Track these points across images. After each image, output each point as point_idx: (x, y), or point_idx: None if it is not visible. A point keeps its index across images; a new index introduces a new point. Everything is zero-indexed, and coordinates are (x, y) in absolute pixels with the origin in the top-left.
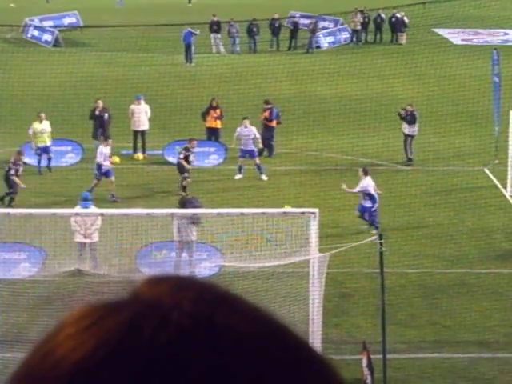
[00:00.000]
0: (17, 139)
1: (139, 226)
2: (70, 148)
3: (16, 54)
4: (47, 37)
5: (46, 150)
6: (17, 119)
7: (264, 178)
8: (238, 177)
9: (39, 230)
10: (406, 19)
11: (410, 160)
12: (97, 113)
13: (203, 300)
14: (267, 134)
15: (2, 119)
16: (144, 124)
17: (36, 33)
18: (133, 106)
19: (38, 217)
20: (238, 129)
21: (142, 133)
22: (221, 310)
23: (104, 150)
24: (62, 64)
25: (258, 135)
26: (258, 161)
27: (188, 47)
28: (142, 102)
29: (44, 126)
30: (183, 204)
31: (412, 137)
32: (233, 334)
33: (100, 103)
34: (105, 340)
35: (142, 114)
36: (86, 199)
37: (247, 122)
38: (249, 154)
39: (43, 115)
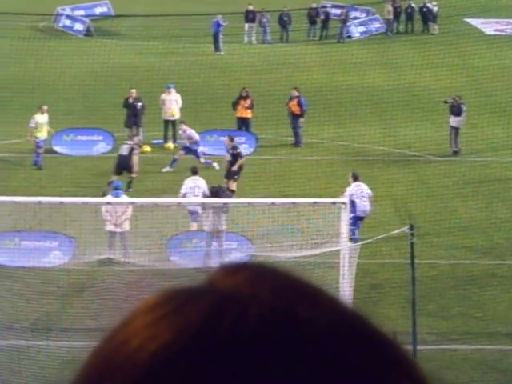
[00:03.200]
0: (50, 128)
1: (170, 215)
2: (101, 137)
3: (47, 43)
4: (79, 26)
5: (43, 143)
6: (48, 108)
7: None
8: (165, 170)
9: (70, 218)
10: (437, 9)
11: (454, 153)
12: (130, 101)
13: (282, 290)
14: (294, 122)
15: (34, 108)
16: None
17: (68, 22)
18: (164, 96)
19: (69, 205)
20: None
21: (173, 122)
22: (300, 301)
23: (190, 183)
24: (93, 53)
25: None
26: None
27: (215, 36)
28: (173, 91)
29: (46, 119)
30: (214, 193)
31: (457, 129)
32: (313, 326)
33: (134, 92)
34: (182, 331)
35: (172, 104)
36: (117, 188)
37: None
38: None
39: (45, 107)
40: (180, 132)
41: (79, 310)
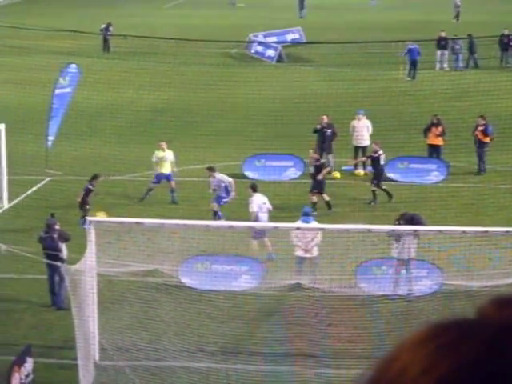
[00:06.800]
0: (240, 153)
1: (359, 241)
2: (291, 163)
3: (239, 69)
4: (271, 52)
5: (167, 177)
6: (240, 133)
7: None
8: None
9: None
10: None
11: None
12: (321, 127)
13: None
14: (480, 149)
15: (225, 133)
16: (365, 140)
17: (260, 48)
18: (354, 122)
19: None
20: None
21: (364, 149)
22: None
23: (259, 200)
24: (284, 79)
25: (227, 181)
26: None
27: (413, 63)
28: (363, 117)
29: (166, 155)
30: (409, 220)
31: None
32: None
33: (325, 118)
34: (464, 361)
35: (363, 130)
36: (306, 214)
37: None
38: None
39: (164, 144)
40: (210, 180)
41: (267, 335)
